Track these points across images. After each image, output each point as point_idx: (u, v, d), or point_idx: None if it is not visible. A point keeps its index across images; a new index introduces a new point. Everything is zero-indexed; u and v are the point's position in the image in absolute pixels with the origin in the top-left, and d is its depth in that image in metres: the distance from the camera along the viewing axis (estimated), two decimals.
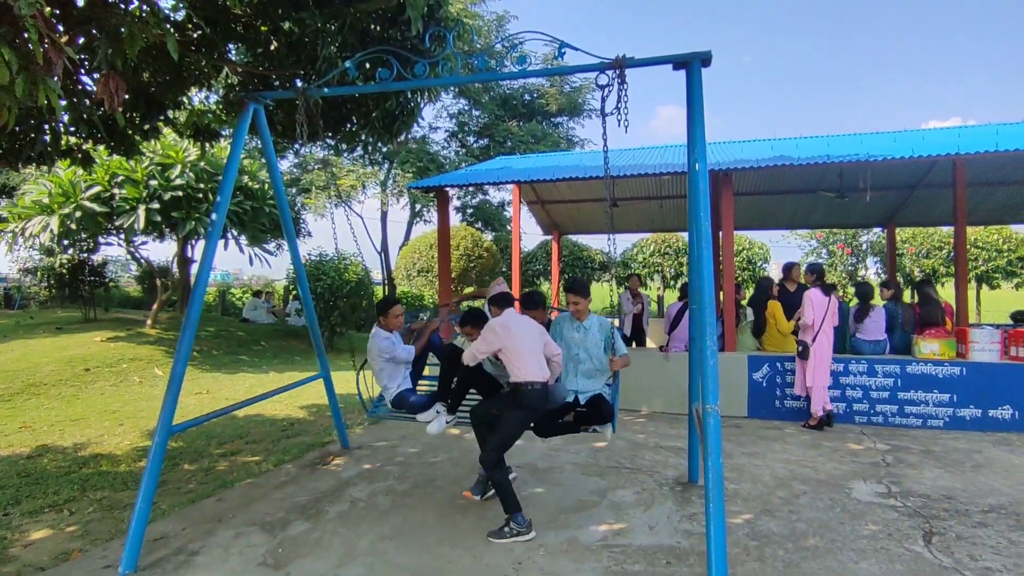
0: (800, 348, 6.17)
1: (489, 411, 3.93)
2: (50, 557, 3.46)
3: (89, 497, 4.42)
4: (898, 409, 6.28)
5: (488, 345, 3.73)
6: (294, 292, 16.35)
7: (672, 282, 18.22)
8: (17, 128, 3.91)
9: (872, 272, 18.76)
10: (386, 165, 21.21)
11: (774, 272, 18.17)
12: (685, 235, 17.73)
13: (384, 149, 19.03)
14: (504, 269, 17.83)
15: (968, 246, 13.91)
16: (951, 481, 4.60)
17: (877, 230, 16.17)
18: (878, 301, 6.94)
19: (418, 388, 4.67)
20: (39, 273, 13.08)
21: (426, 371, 4.91)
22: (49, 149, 4.22)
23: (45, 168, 5.43)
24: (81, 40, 3.37)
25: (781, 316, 6.88)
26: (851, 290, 14.21)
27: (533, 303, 4.16)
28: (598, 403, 3.98)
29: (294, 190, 19.51)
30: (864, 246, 18.39)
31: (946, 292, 10.29)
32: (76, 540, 3.70)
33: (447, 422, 4.12)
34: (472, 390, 4.30)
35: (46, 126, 4.05)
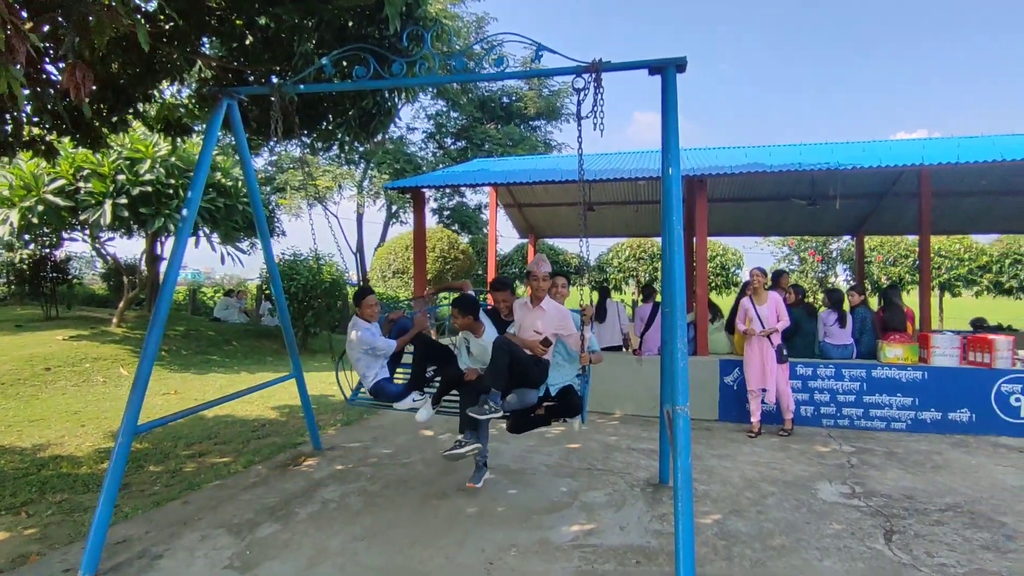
0: (785, 352, 6.18)
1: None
2: (7, 560, 3.35)
3: (48, 499, 4.28)
4: (863, 412, 6.44)
5: None
6: (267, 291, 16.10)
7: None
8: None
9: (842, 279, 19.24)
10: (363, 165, 21.05)
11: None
12: (660, 240, 17.91)
13: (361, 149, 18.91)
14: (480, 272, 17.82)
15: (932, 255, 14.38)
16: (912, 482, 4.73)
17: (847, 238, 16.59)
18: (847, 307, 7.10)
19: (395, 377, 4.77)
20: None
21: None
22: (10, 139, 4.08)
23: (6, 159, 5.26)
24: (46, 28, 3.28)
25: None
26: (819, 296, 14.53)
27: (502, 286, 4.60)
28: (568, 394, 4.09)
29: (268, 188, 19.24)
30: (834, 253, 18.85)
31: (911, 299, 10.62)
32: (34, 543, 3.58)
33: (430, 409, 4.29)
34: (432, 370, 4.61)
35: (7, 115, 3.92)
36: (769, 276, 6.57)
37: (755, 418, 6.22)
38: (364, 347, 4.45)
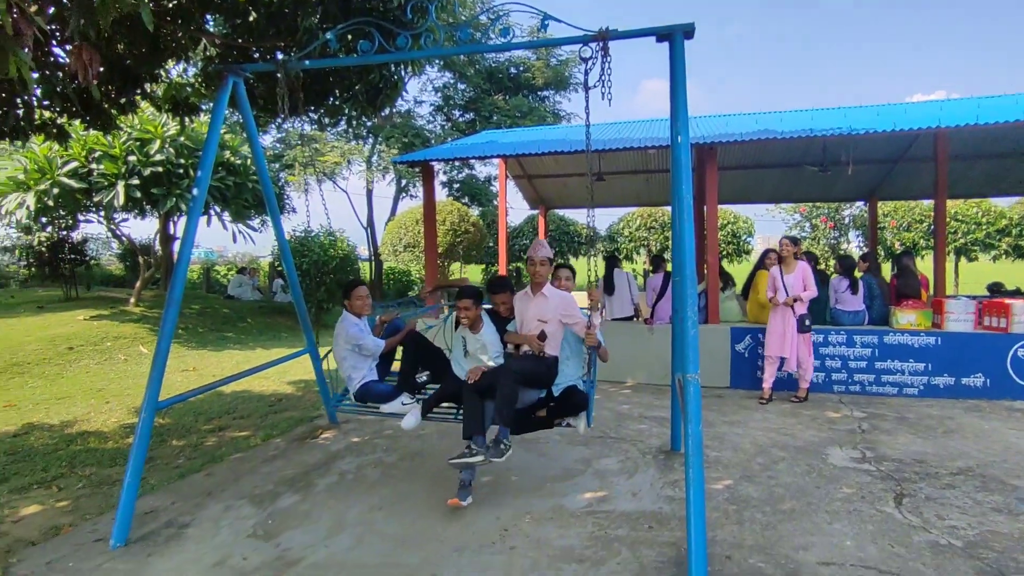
0: (808, 322, 6.11)
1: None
2: (40, 532, 3.50)
3: (78, 473, 4.44)
4: (875, 378, 6.44)
5: None
6: (279, 268, 16.24)
7: None
8: None
9: (854, 245, 19.00)
10: (371, 140, 20.93)
11: (760, 247, 18.28)
12: (671, 209, 17.73)
13: (369, 124, 18.77)
14: (491, 244, 17.81)
15: (948, 219, 14.14)
16: (923, 446, 4.76)
17: (859, 204, 16.33)
18: (856, 274, 7.06)
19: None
20: (17, 251, 12.85)
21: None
22: (22, 123, 4.12)
23: (19, 143, 5.32)
24: (51, 10, 3.28)
25: (763, 288, 6.92)
26: (831, 263, 14.41)
27: (501, 287, 4.29)
28: (572, 395, 3.86)
29: (277, 166, 19.23)
30: (847, 220, 18.58)
31: (925, 265, 10.51)
32: (66, 515, 3.73)
33: (418, 416, 3.99)
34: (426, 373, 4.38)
35: (18, 99, 3.95)
36: (780, 245, 6.51)
37: (767, 384, 6.24)
38: (353, 343, 4.21)
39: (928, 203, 15.76)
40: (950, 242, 16.63)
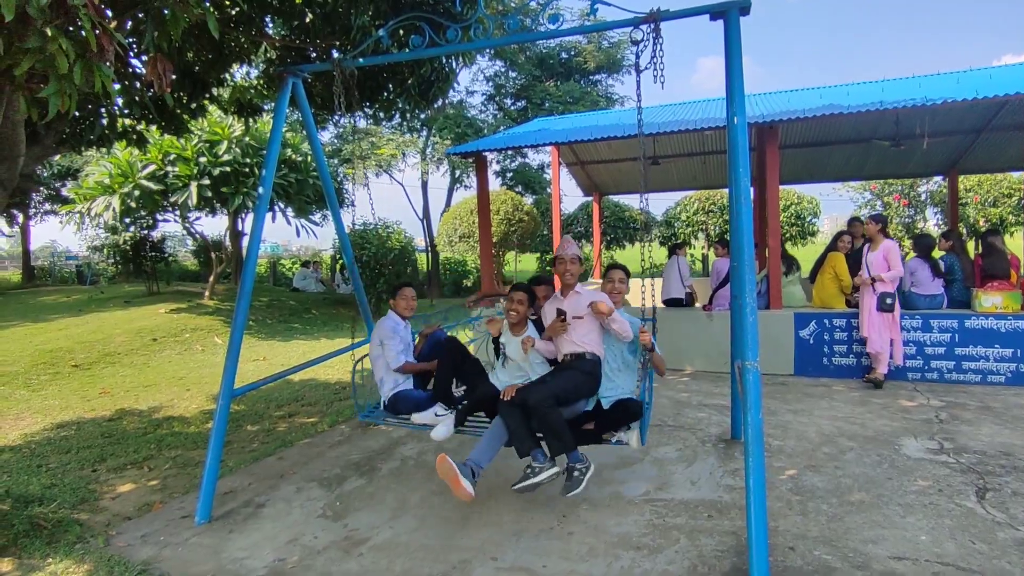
0: (889, 301, 5.94)
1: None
2: (135, 508, 3.81)
3: (165, 455, 4.80)
4: (955, 365, 6.07)
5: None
6: (340, 261, 16.80)
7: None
8: (77, 114, 4.13)
9: (932, 224, 17.83)
10: (425, 132, 21.24)
11: (827, 228, 17.41)
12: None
13: (422, 116, 19.05)
14: (545, 232, 17.78)
15: None
16: (1010, 437, 4.46)
17: (937, 179, 15.28)
18: (937, 253, 6.64)
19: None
20: (105, 250, 13.85)
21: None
22: (107, 132, 4.45)
23: (104, 150, 5.74)
24: (128, 25, 3.51)
25: (845, 271, 6.61)
26: (907, 243, 13.58)
27: (544, 280, 4.23)
28: (624, 405, 3.53)
29: (335, 160, 19.83)
30: (923, 196, 17.42)
31: (1014, 243, 9.75)
32: (156, 493, 4.05)
33: (450, 427, 3.72)
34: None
35: (103, 110, 4.26)
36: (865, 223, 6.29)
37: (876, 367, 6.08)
38: (382, 339, 4.15)
39: (1017, 175, 14.59)
40: None
